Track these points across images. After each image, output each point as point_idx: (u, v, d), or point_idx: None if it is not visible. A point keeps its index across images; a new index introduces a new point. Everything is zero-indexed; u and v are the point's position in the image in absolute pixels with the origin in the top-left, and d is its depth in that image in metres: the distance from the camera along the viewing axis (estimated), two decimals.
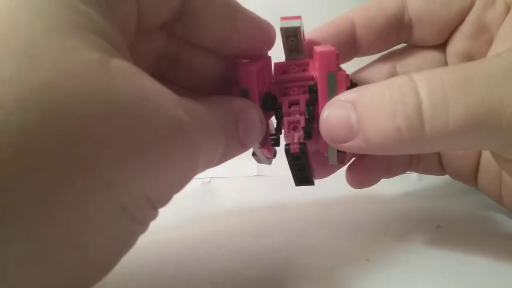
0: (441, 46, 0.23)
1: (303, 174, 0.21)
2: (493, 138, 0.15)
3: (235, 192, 0.33)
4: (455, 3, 0.20)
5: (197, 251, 0.22)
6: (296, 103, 0.20)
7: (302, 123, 0.20)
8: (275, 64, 0.21)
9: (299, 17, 0.20)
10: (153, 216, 0.14)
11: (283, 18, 0.20)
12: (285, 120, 0.20)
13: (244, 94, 0.20)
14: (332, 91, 0.18)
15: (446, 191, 0.31)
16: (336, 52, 0.18)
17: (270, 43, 0.21)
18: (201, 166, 0.16)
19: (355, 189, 0.29)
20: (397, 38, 0.22)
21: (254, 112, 0.19)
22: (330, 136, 0.18)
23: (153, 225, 0.14)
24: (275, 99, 0.20)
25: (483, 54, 0.21)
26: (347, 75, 0.19)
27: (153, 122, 0.13)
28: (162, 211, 0.14)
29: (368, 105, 0.16)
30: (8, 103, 0.10)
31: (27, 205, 0.10)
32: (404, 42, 0.23)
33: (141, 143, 0.12)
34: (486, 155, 0.24)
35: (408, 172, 0.33)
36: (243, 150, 0.19)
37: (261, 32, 0.20)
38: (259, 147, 0.21)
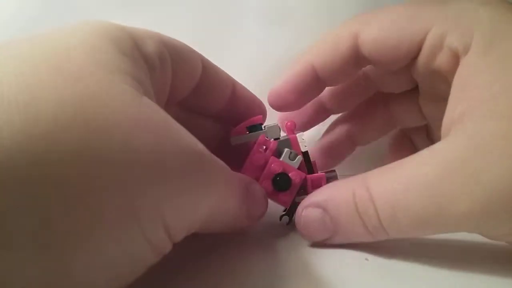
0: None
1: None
2: (445, 231, 0.18)
3: None
4: (402, 48, 0.21)
5: (196, 250, 0.22)
6: None
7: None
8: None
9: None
10: (167, 248, 0.15)
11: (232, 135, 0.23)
12: None
13: None
14: None
15: None
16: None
17: (263, 114, 0.24)
18: (216, 213, 0.17)
19: None
20: (359, 67, 0.23)
21: (260, 188, 0.21)
22: (312, 239, 0.21)
23: None
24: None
25: (443, 91, 0.20)
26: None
27: (176, 149, 0.14)
28: None
29: (339, 213, 0.19)
30: (51, 101, 0.11)
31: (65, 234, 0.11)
32: (368, 65, 0.24)
33: (164, 168, 0.13)
34: None
35: None
36: (245, 224, 0.21)
37: (255, 103, 0.24)
38: None
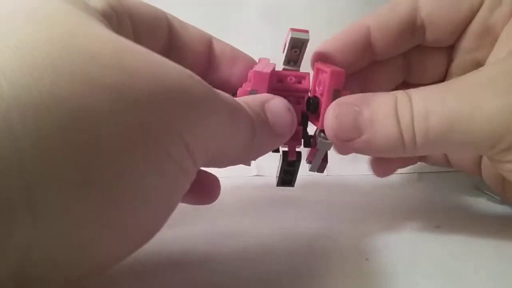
0: (452, 46, 0.24)
1: (289, 178, 0.23)
2: (468, 140, 0.17)
3: (235, 192, 0.33)
4: (464, 4, 0.21)
5: (197, 251, 0.22)
6: None
7: (300, 133, 0.22)
8: (271, 72, 0.22)
9: (307, 31, 0.21)
10: (194, 172, 0.15)
11: (293, 29, 0.21)
12: None
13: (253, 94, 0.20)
14: None
15: (446, 191, 0.30)
16: (344, 73, 0.20)
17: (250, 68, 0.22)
18: (234, 143, 0.17)
19: (354, 190, 0.30)
20: (411, 41, 0.23)
21: (279, 100, 0.19)
22: (337, 134, 0.20)
23: None
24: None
25: (487, 54, 0.22)
26: (350, 93, 0.21)
27: (178, 77, 0.14)
28: None
29: (376, 112, 0.19)
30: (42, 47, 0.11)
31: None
32: (419, 43, 0.24)
33: (175, 96, 0.13)
34: None
35: (409, 172, 0.33)
36: (277, 140, 0.19)
37: (239, 58, 0.23)
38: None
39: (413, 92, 0.19)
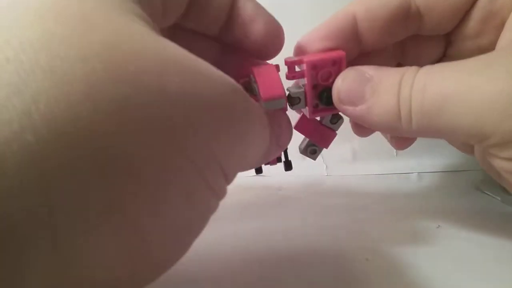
0: (450, 32, 0.22)
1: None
2: (459, 123, 0.16)
3: (235, 192, 0.33)
4: None
5: (197, 251, 0.22)
6: None
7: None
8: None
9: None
10: (225, 192, 0.15)
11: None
12: None
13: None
14: None
15: (446, 191, 0.31)
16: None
17: (278, 35, 0.21)
18: (254, 154, 0.17)
19: (354, 190, 0.30)
20: (404, 30, 0.21)
21: (285, 115, 0.20)
22: (340, 96, 0.20)
23: None
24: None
25: (492, 40, 0.20)
26: None
27: (216, 89, 0.13)
28: None
29: (381, 82, 0.19)
30: (74, 57, 0.10)
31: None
32: (414, 33, 0.22)
33: (212, 114, 0.13)
34: None
35: (409, 172, 0.33)
36: (278, 151, 0.20)
37: (260, 17, 0.21)
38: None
39: (422, 68, 0.18)
